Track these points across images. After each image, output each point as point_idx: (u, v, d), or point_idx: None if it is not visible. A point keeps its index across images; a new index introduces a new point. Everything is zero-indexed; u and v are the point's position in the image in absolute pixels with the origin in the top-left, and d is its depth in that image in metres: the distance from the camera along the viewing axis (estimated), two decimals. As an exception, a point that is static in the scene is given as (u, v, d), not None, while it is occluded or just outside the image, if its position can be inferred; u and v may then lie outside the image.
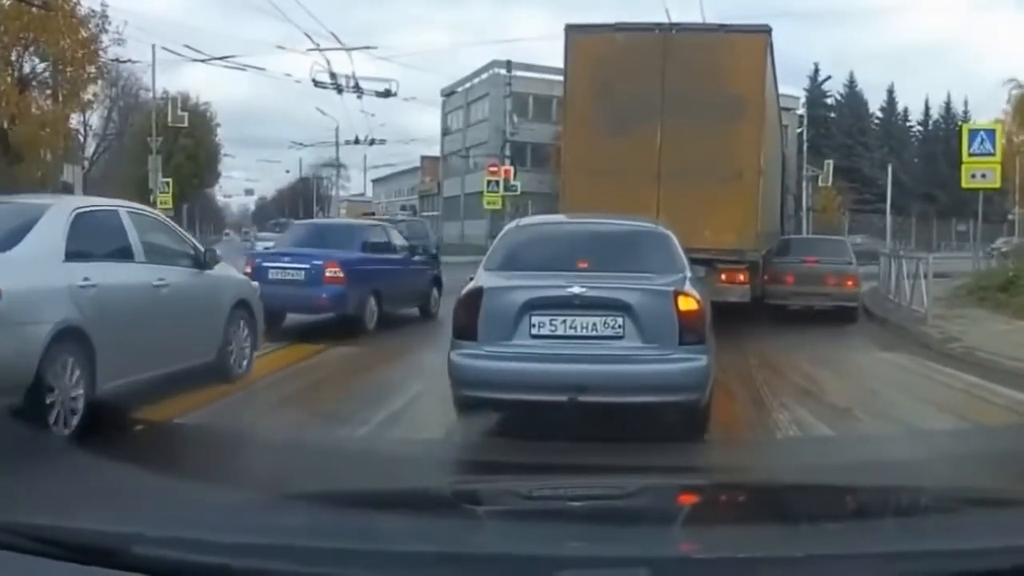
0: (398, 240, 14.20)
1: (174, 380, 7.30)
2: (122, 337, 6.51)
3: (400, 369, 9.57)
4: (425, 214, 61.52)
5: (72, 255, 6.47)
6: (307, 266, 11.78)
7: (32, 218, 6.50)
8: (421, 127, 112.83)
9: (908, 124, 71.91)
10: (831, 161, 46.82)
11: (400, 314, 13.29)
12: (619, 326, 6.03)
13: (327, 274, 11.70)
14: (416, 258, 14.44)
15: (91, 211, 7.15)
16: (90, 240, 6.77)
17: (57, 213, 6.69)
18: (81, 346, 6.17)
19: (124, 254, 7.12)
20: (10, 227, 6.37)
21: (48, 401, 5.82)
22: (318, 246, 12.45)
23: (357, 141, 43.66)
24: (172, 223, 8.88)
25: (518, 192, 35.46)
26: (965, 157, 15.94)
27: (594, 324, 6.05)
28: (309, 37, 31.27)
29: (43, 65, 26.98)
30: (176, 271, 7.64)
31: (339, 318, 11.90)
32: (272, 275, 11.54)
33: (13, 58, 26.12)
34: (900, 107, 70.93)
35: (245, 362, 8.46)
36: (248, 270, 11.04)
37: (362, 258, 12.43)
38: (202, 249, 8.30)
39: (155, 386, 7.03)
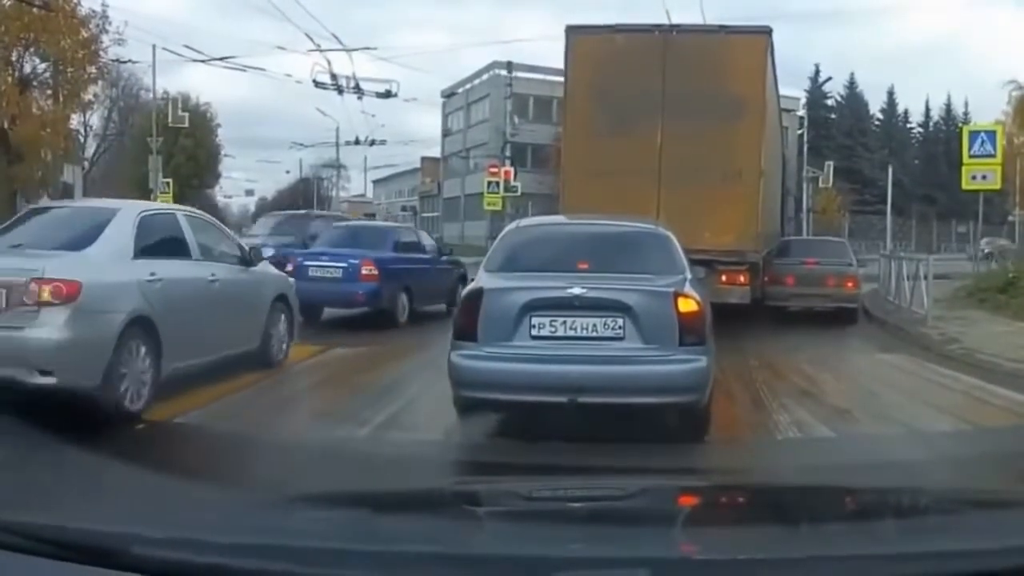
0: (427, 241, 15.67)
1: (223, 366, 8.13)
2: (183, 326, 7.28)
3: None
4: (425, 215, 61.72)
5: (139, 252, 7.27)
6: (345, 264, 12.79)
7: (104, 220, 7.33)
8: (422, 128, 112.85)
9: (908, 125, 71.99)
10: (831, 162, 46.81)
11: (427, 310, 13.97)
12: (619, 327, 6.03)
13: (363, 272, 12.68)
14: (444, 258, 15.54)
15: (154, 214, 8.07)
16: (153, 239, 7.53)
17: (125, 216, 7.53)
18: (149, 333, 6.94)
19: (182, 252, 7.88)
20: (85, 228, 7.23)
21: (121, 382, 6.58)
22: (354, 246, 13.44)
23: (357, 142, 43.66)
24: (220, 224, 9.71)
25: (518, 193, 35.44)
26: (965, 158, 15.94)
27: (594, 325, 6.05)
28: (310, 38, 31.33)
29: (44, 65, 26.96)
30: (225, 268, 8.43)
31: (373, 312, 12.86)
32: (312, 272, 12.56)
33: (14, 58, 26.08)
34: (900, 108, 71.06)
35: (284, 348, 9.38)
36: (290, 268, 11.89)
37: (394, 257, 13.40)
38: (247, 248, 9.20)
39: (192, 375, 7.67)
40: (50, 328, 6.23)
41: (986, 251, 35.49)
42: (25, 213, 8.45)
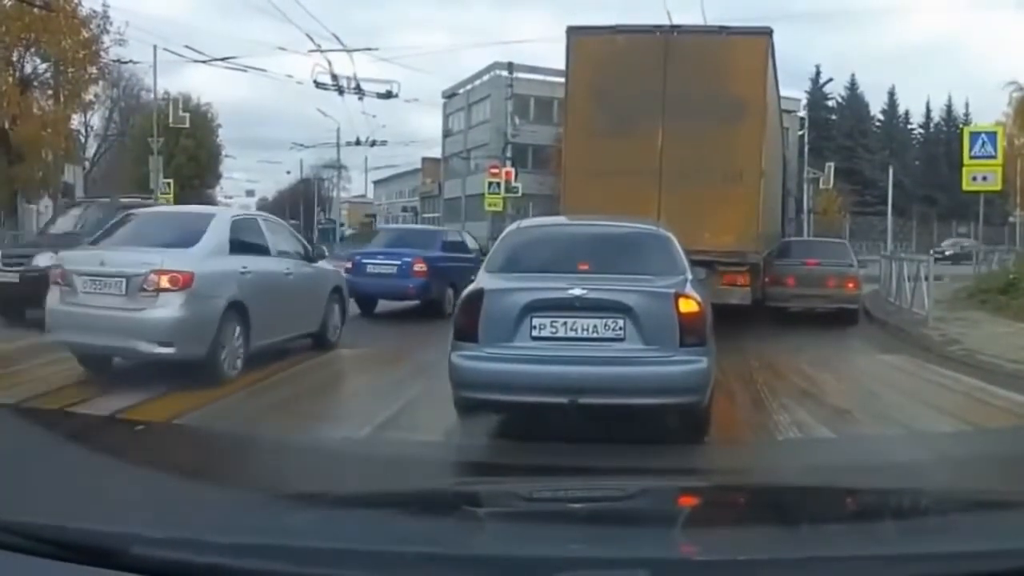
0: (471, 243, 17.37)
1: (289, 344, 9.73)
2: (266, 311, 8.76)
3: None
4: (426, 216, 61.72)
5: (233, 250, 8.74)
6: (399, 262, 14.54)
7: (204, 223, 8.80)
8: (422, 129, 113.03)
9: (909, 126, 71.95)
10: (832, 163, 46.79)
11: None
12: (620, 328, 6.02)
13: (415, 269, 14.40)
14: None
15: (242, 218, 9.95)
16: (242, 239, 9.01)
17: (220, 219, 9.14)
18: (242, 316, 8.43)
19: (264, 250, 9.38)
20: (188, 229, 8.63)
21: (221, 353, 8.11)
22: (406, 246, 15.25)
23: (358, 142, 43.73)
24: (290, 227, 11.47)
25: (519, 194, 35.46)
26: (966, 160, 15.92)
27: (595, 326, 6.05)
28: (310, 38, 31.36)
29: (44, 66, 27.01)
30: (295, 263, 9.96)
31: (423, 304, 14.38)
32: (369, 269, 14.58)
33: (15, 58, 26.13)
34: (901, 109, 71.03)
35: (337, 332, 10.84)
36: (348, 265, 14.22)
37: (442, 256, 15.04)
38: (311, 248, 10.97)
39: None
40: (169, 309, 7.76)
41: (947, 253, 35.63)
42: (122, 217, 9.48)
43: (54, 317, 8.13)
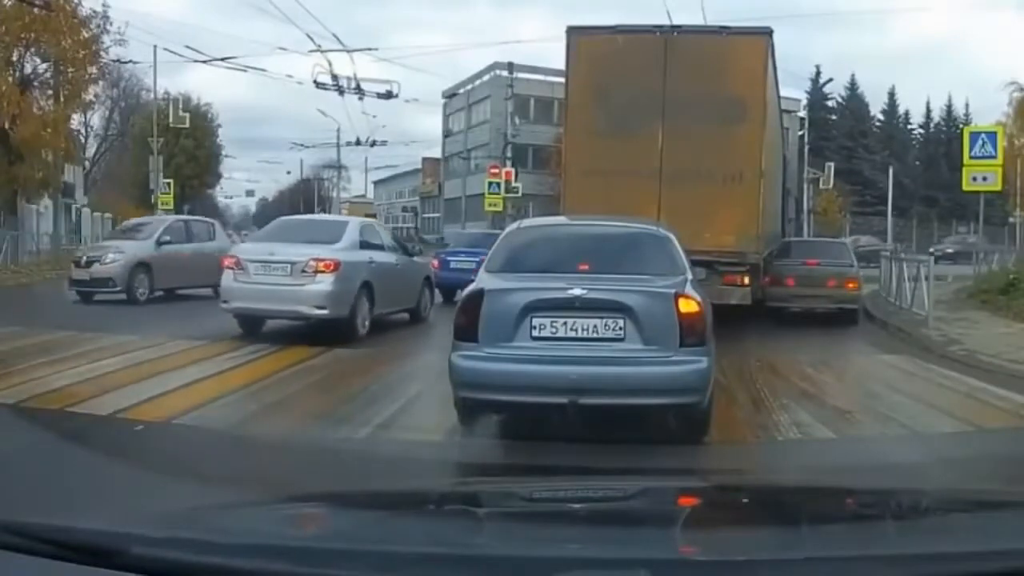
0: None
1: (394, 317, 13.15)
2: (385, 290, 12.14)
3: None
4: (426, 216, 61.73)
5: (362, 246, 12.17)
6: (476, 260, 16.10)
7: (342, 228, 12.52)
8: (422, 129, 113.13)
9: (909, 127, 71.83)
10: (832, 164, 46.76)
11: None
12: (620, 328, 6.02)
13: None
14: None
15: (366, 224, 13.79)
16: (367, 239, 12.53)
17: (353, 224, 13.06)
18: (370, 292, 11.79)
19: (380, 247, 12.87)
20: (332, 232, 12.16)
21: (357, 318, 11.50)
22: (480, 246, 16.14)
23: (358, 142, 43.69)
24: (393, 231, 16.00)
25: (519, 194, 35.47)
26: (966, 160, 15.92)
27: (595, 326, 6.04)
28: (311, 38, 31.40)
29: (44, 65, 26.96)
30: (400, 257, 13.40)
31: None
32: (452, 265, 17.09)
33: (14, 58, 26.09)
34: (901, 110, 70.87)
35: (428, 310, 14.14)
36: (435, 261, 16.97)
37: None
38: (411, 246, 15.43)
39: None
40: (323, 285, 11.13)
41: (949, 251, 35.07)
42: (277, 222, 13.81)
43: (229, 292, 11.45)
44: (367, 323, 11.66)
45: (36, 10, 23.75)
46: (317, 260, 11.15)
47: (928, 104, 71.54)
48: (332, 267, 11.17)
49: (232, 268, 11.49)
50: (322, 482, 5.26)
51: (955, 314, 14.59)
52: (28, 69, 26.75)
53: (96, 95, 31.36)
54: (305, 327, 11.45)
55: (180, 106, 36.06)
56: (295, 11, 44.96)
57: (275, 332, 11.69)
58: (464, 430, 6.51)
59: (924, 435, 6.99)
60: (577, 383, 5.94)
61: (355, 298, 11.37)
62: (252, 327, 11.58)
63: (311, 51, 25.92)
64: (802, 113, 47.05)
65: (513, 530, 2.01)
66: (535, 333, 6.05)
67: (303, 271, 11.11)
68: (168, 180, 33.54)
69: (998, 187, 16.93)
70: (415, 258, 14.42)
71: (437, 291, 15.17)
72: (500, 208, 34.44)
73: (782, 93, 16.63)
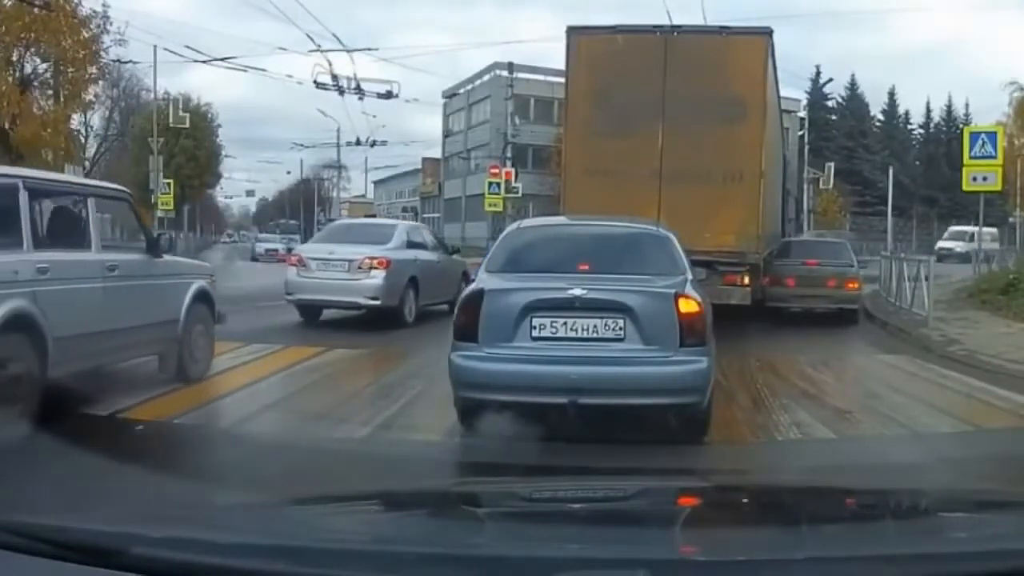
0: None
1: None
2: (427, 283, 13.55)
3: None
4: (426, 216, 61.71)
5: (408, 246, 13.73)
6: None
7: (391, 230, 14.27)
8: (422, 129, 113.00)
9: (909, 127, 71.85)
10: (832, 164, 46.80)
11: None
12: (620, 328, 6.02)
13: None
14: None
15: (412, 226, 15.83)
16: (412, 239, 14.16)
17: (400, 227, 14.90)
18: (415, 286, 13.20)
19: (424, 247, 14.46)
20: (383, 233, 13.86)
21: (405, 307, 12.93)
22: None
23: (358, 142, 43.67)
24: (435, 232, 18.24)
25: (519, 194, 35.47)
26: (966, 160, 15.93)
27: (595, 326, 6.04)
28: (311, 38, 31.43)
29: (44, 65, 26.94)
30: (442, 255, 15.10)
31: None
32: None
33: (14, 58, 26.07)
34: (901, 110, 70.90)
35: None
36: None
37: None
38: (450, 245, 16.84)
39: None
40: (377, 279, 12.71)
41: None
42: (334, 225, 16.90)
43: (293, 285, 13.04)
44: (413, 312, 13.18)
45: (36, 10, 23.73)
46: (371, 258, 12.76)
47: (928, 104, 71.65)
48: (384, 264, 12.79)
49: (295, 265, 13.25)
50: (322, 482, 5.25)
51: (955, 314, 14.59)
52: (28, 69, 26.74)
53: (96, 95, 31.33)
54: (360, 316, 12.98)
55: (180, 106, 36.04)
56: (295, 11, 45.11)
57: (332, 321, 13.32)
58: (464, 430, 6.50)
59: (924, 435, 6.98)
60: (577, 383, 5.94)
61: (403, 291, 12.96)
62: (311, 316, 13.25)
63: (311, 51, 25.95)
64: (802, 113, 47.09)
65: (513, 530, 2.01)
66: (535, 333, 6.05)
67: (359, 267, 12.77)
68: (168, 180, 33.53)
69: (998, 187, 16.95)
70: (454, 256, 15.71)
71: None
72: (500, 208, 34.45)
73: (782, 93, 16.63)
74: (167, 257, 8.25)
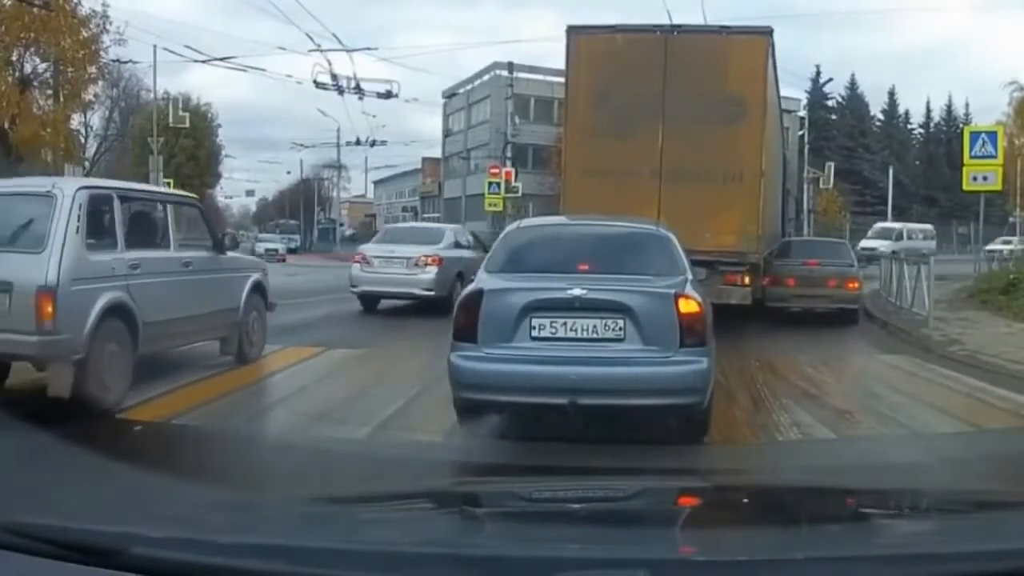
0: None
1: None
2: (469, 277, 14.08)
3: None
4: (426, 216, 61.72)
5: (454, 246, 15.94)
6: None
7: (441, 232, 16.71)
8: (422, 129, 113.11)
9: (909, 126, 71.93)
10: (832, 163, 46.78)
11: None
12: (620, 328, 6.01)
13: None
14: None
15: (458, 229, 18.02)
16: (459, 240, 16.45)
17: (449, 229, 17.26)
18: (462, 279, 13.25)
19: (468, 246, 16.50)
20: (435, 235, 16.18)
21: (453, 298, 10.02)
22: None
23: (358, 142, 43.75)
24: (474, 232, 20.17)
25: (519, 194, 35.43)
26: (966, 159, 15.91)
27: (594, 327, 6.03)
28: (310, 38, 31.41)
29: (44, 65, 26.95)
30: (481, 253, 14.00)
31: None
32: None
33: (14, 58, 26.08)
34: (901, 109, 70.98)
35: None
36: None
37: None
38: (484, 245, 16.83)
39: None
40: (431, 274, 14.78)
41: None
42: (390, 228, 19.19)
43: (357, 279, 15.13)
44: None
45: (36, 10, 23.74)
46: (427, 256, 15.00)
47: (928, 104, 71.77)
48: (437, 261, 14.96)
49: (359, 262, 15.39)
50: (322, 482, 5.26)
51: (955, 314, 14.59)
52: (28, 69, 26.77)
53: (96, 95, 31.37)
54: (417, 304, 14.83)
55: (180, 106, 36.02)
56: (295, 11, 45.02)
57: (390, 309, 15.31)
58: (464, 430, 6.50)
59: (924, 435, 6.98)
60: (577, 383, 5.93)
61: (452, 283, 14.49)
62: (370, 305, 15.37)
63: (311, 51, 25.98)
64: (802, 113, 47.06)
65: (513, 530, 2.01)
66: (535, 333, 6.04)
67: (416, 264, 14.90)
68: (168, 180, 33.47)
69: (998, 187, 16.91)
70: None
71: None
72: (500, 208, 34.42)
73: (782, 93, 16.63)
74: (229, 254, 9.34)
